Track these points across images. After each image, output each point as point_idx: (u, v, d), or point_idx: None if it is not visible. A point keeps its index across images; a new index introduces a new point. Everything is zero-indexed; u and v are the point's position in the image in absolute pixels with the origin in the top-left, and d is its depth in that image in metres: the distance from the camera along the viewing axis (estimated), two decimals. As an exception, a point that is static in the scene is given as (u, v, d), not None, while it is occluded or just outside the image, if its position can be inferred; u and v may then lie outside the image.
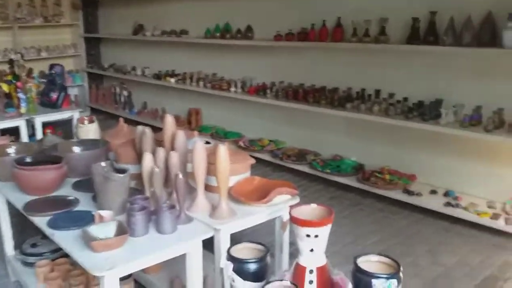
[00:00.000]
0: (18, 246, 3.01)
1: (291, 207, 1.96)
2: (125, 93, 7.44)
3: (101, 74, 8.07)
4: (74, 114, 4.77)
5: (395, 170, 4.25)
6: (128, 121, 3.55)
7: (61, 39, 8.06)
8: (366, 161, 4.50)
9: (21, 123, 4.50)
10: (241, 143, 5.37)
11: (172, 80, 6.34)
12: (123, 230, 1.89)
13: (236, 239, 2.01)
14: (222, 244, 2.06)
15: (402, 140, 4.26)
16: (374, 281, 1.52)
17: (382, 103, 4.16)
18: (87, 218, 2.09)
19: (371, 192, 4.14)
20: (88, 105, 8.12)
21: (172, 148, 2.37)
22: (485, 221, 3.50)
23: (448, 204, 3.73)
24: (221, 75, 5.99)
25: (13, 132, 4.65)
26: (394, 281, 1.51)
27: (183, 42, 6.24)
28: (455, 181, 3.98)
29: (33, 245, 2.95)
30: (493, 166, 3.76)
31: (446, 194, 3.91)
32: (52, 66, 4.92)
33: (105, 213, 2.03)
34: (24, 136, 4.53)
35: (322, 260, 1.89)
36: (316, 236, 1.82)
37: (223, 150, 2.05)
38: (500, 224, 3.44)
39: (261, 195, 2.28)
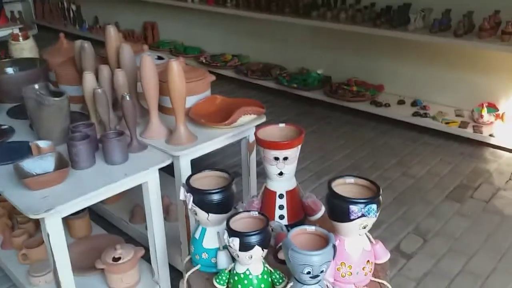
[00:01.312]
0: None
1: (257, 127, 1.74)
2: (73, 7, 6.83)
3: (45, -12, 7.36)
4: (13, 30, 4.29)
5: (362, 81, 4.09)
6: (79, 38, 3.17)
7: None
8: (333, 73, 4.31)
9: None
10: (202, 59, 5.05)
11: (124, -10, 5.79)
12: (63, 163, 1.63)
13: (201, 165, 1.80)
14: (183, 172, 1.85)
15: (370, 49, 4.05)
16: (352, 207, 1.36)
17: (349, 9, 3.89)
18: (23, 151, 1.82)
19: (338, 105, 4.00)
20: (34, 22, 7.44)
21: (118, 65, 2.07)
22: (454, 130, 3.48)
23: (416, 113, 3.65)
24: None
25: None
26: (373, 206, 1.36)
27: None
28: (423, 90, 3.87)
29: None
30: (462, 73, 3.65)
31: (414, 103, 3.82)
32: (-19, -22, 4.35)
33: (42, 143, 1.75)
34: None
35: (292, 184, 1.72)
36: (285, 158, 1.63)
37: (176, 66, 1.76)
38: (468, 132, 3.42)
39: (225, 115, 2.03)
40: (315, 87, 4.15)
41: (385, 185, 2.97)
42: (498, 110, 3.48)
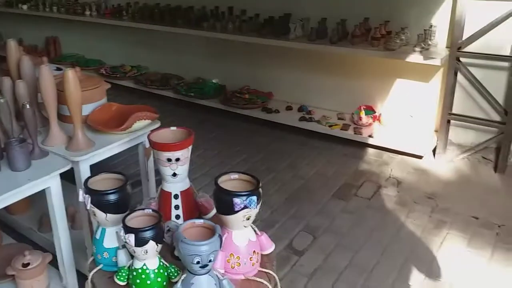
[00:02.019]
0: None
1: (151, 132, 1.92)
2: (-27, 23, 6.50)
3: None
4: None
5: (254, 89, 4.38)
6: None
7: None
8: (227, 82, 4.56)
9: None
10: (102, 71, 5.11)
11: (25, 6, 5.73)
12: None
13: (101, 170, 1.94)
14: (83, 176, 1.99)
15: (258, 58, 4.33)
16: (235, 199, 1.54)
17: (236, 20, 4.13)
18: None
19: (234, 113, 4.23)
20: None
21: (19, 77, 2.16)
22: (336, 132, 3.75)
23: (302, 118, 3.93)
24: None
25: None
26: (254, 198, 1.55)
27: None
28: (308, 96, 4.16)
29: None
30: (341, 78, 3.95)
31: (300, 109, 4.10)
32: None
33: None
34: None
35: (186, 184, 1.86)
36: (178, 159, 1.79)
37: (71, 75, 1.91)
38: (349, 134, 3.69)
39: (121, 122, 2.19)
40: (211, 95, 4.40)
41: (278, 186, 3.20)
42: (375, 112, 3.79)
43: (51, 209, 1.95)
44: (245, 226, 1.58)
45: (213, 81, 4.55)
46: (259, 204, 1.55)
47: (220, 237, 1.41)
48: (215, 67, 4.65)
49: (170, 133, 1.91)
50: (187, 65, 4.84)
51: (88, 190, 1.59)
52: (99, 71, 5.12)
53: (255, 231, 1.63)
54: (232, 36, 4.03)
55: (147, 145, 2.28)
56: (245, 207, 1.52)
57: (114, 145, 2.09)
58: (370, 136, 3.62)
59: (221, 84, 4.56)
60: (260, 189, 1.61)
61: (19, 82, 2.00)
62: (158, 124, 2.24)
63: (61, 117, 2.17)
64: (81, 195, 1.61)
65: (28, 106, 1.87)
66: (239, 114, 4.22)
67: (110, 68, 5.17)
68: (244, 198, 1.53)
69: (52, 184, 1.89)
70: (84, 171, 2.00)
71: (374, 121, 3.77)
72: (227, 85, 4.53)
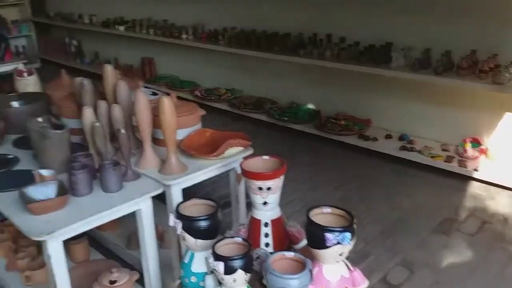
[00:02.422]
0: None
1: (243, 159, 1.89)
2: (74, 42, 7.07)
3: (48, 24, 7.61)
4: (18, 66, 4.46)
5: (350, 116, 4.25)
6: (81, 73, 3.31)
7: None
8: (322, 107, 4.47)
9: (-42, 78, 4.20)
10: (197, 93, 5.22)
11: (122, 28, 6.04)
12: (64, 190, 1.77)
13: (192, 194, 1.93)
14: (174, 200, 1.98)
15: (356, 85, 4.23)
16: (327, 234, 1.46)
17: (334, 48, 4.09)
18: (27, 178, 1.95)
19: (328, 138, 4.13)
20: (38, 57, 7.67)
21: (115, 100, 2.23)
22: (439, 163, 3.55)
23: (403, 148, 3.77)
24: (172, 21, 5.73)
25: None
26: (347, 234, 1.46)
27: (129, -13, 5.95)
28: (410, 125, 4.00)
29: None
30: (446, 109, 3.78)
31: (401, 138, 3.94)
32: (-14, 17, 4.56)
33: (45, 172, 1.90)
34: (-37, 92, 4.23)
35: (276, 213, 1.84)
36: (269, 188, 1.76)
37: (167, 102, 1.92)
38: (453, 166, 3.49)
39: (214, 148, 2.18)
40: (305, 120, 4.32)
41: (372, 217, 3.03)
42: (482, 145, 3.59)
43: (141, 230, 1.96)
44: (337, 261, 1.52)
45: (308, 106, 4.48)
46: (353, 241, 1.47)
47: (311, 271, 1.37)
48: (310, 92, 4.58)
49: (262, 161, 1.89)
50: (281, 89, 4.82)
51: (179, 216, 1.59)
52: (194, 93, 5.24)
53: (347, 266, 1.57)
54: (330, 63, 3.98)
55: (239, 170, 2.24)
56: (338, 243, 1.46)
57: (206, 170, 2.07)
58: (475, 169, 3.42)
59: (315, 109, 4.47)
60: (355, 225, 1.53)
61: (115, 106, 2.05)
62: (250, 151, 2.20)
63: (155, 141, 2.19)
64: (172, 220, 1.61)
65: (123, 131, 1.90)
66: (333, 140, 4.11)
67: (205, 91, 5.28)
68: (337, 234, 1.48)
69: (143, 207, 1.89)
70: (175, 195, 1.99)
71: (480, 155, 3.58)
72: (322, 110, 4.43)
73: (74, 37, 7.08)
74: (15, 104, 2.63)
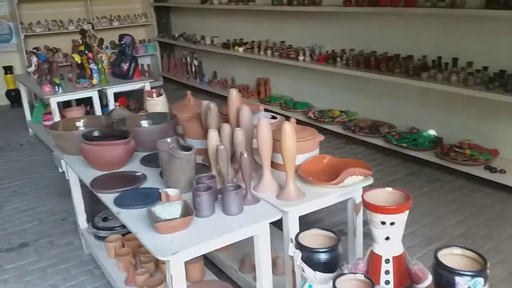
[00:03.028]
0: (90, 218, 3.07)
1: (364, 190, 1.82)
2: (195, 62, 7.44)
3: (171, 44, 8.12)
4: (145, 84, 4.80)
5: (475, 145, 3.93)
6: (198, 91, 3.46)
7: (132, 9, 8.17)
8: (444, 134, 4.21)
9: (93, 94, 4.60)
10: (310, 114, 5.20)
11: (241, 49, 6.24)
12: (188, 211, 1.83)
13: (306, 220, 1.91)
14: (291, 227, 1.96)
15: (483, 112, 3.92)
16: (457, 278, 1.36)
17: (460, 72, 3.84)
18: (153, 196, 2.07)
19: (450, 168, 3.86)
20: (160, 75, 8.21)
21: (237, 123, 2.28)
22: None
23: None
24: (289, 43, 5.81)
25: (88, 102, 4.79)
26: (480, 280, 1.35)
27: (250, 10, 6.12)
28: None
29: (105, 219, 2.99)
30: None
31: None
32: (122, 37, 4.94)
33: (171, 191, 1.98)
34: (97, 107, 4.63)
35: (399, 249, 1.75)
36: (392, 223, 1.68)
37: (289, 128, 1.92)
38: None
39: (332, 175, 2.14)
40: (425, 147, 4.09)
41: (500, 258, 2.77)
42: None
43: (257, 255, 1.96)
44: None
45: (429, 132, 4.24)
46: (486, 287, 1.35)
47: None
48: (432, 117, 4.34)
49: (386, 194, 1.81)
50: (399, 113, 4.63)
51: (299, 246, 1.57)
52: (307, 114, 5.23)
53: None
54: (456, 88, 3.74)
55: (357, 200, 2.18)
56: None
57: (324, 199, 2.03)
58: None
59: (437, 136, 4.22)
60: (488, 271, 1.39)
61: (238, 130, 2.09)
62: (370, 181, 2.13)
63: (273, 165, 2.20)
64: (292, 249, 1.59)
65: (245, 155, 1.93)
66: (456, 171, 3.83)
67: (318, 112, 5.24)
68: (469, 278, 1.37)
69: (261, 232, 1.90)
70: (292, 221, 1.97)
71: None
72: (444, 137, 4.18)
73: (196, 57, 7.46)
74: (144, 123, 2.80)
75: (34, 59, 5.12)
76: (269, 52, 5.78)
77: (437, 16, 4.04)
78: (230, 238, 1.80)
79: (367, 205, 1.69)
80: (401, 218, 1.70)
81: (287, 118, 2.39)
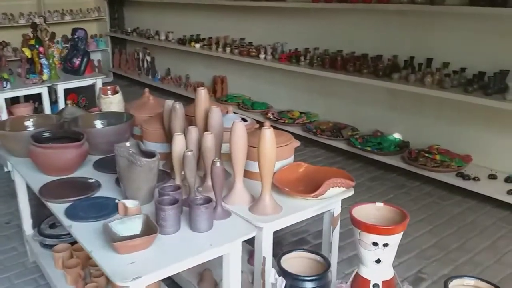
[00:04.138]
0: (37, 224, 2.76)
1: (352, 206, 1.64)
2: (148, 58, 7.12)
3: (124, 39, 7.76)
4: (97, 80, 4.49)
5: (445, 150, 3.82)
6: (150, 88, 3.18)
7: (85, 2, 7.77)
8: (411, 138, 4.12)
9: (43, 90, 4.26)
10: (270, 115, 5.01)
11: (197, 45, 5.98)
12: (150, 227, 1.59)
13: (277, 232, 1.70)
14: (264, 243, 1.75)
15: (456, 116, 3.81)
16: None
17: (435, 74, 3.70)
18: (109, 207, 1.81)
19: (416, 174, 3.75)
20: (111, 71, 7.82)
21: (205, 127, 2.05)
22: None
23: (511, 192, 3.26)
24: (250, 40, 5.59)
25: (37, 98, 4.42)
26: None
27: (209, 5, 5.89)
28: None
29: (52, 226, 2.70)
30: None
31: (509, 179, 3.43)
32: (74, 31, 4.60)
33: (130, 203, 1.74)
34: (46, 104, 4.29)
35: (389, 273, 1.58)
36: (386, 245, 1.51)
37: (269, 134, 1.72)
38: None
39: (309, 185, 1.95)
40: (391, 152, 3.99)
41: (477, 271, 2.65)
42: None
43: (226, 275, 1.74)
44: None
45: (394, 135, 4.14)
46: None
47: None
48: (397, 120, 4.23)
49: (375, 209, 1.63)
50: (363, 115, 4.51)
51: (283, 272, 1.36)
52: (266, 115, 5.03)
53: None
54: (431, 91, 3.60)
55: (335, 213, 2.00)
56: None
57: (302, 212, 1.83)
58: None
59: (403, 140, 4.13)
60: None
61: (208, 135, 1.87)
62: (351, 193, 1.95)
63: (245, 173, 1.98)
64: (274, 276, 1.38)
65: (218, 164, 1.71)
66: (421, 176, 3.73)
67: (278, 113, 5.07)
68: None
69: (233, 251, 1.68)
70: (267, 238, 1.76)
71: None
72: (411, 142, 4.08)
73: (148, 53, 7.14)
74: (98, 123, 2.52)
75: (-20, 53, 4.70)
76: (228, 49, 5.54)
77: (410, 14, 3.90)
78: (199, 259, 1.57)
79: (356, 223, 1.52)
80: (396, 239, 1.54)
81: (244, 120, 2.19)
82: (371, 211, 1.65)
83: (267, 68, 5.17)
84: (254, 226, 1.73)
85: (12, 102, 4.57)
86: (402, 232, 1.50)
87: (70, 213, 1.80)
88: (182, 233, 1.66)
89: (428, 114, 4.01)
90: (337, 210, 1.99)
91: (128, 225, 1.61)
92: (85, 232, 1.67)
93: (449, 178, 3.56)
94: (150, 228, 1.58)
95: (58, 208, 1.86)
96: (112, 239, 1.52)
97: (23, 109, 4.07)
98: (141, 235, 1.58)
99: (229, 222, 1.76)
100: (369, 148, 4.05)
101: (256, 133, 2.08)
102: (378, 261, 1.50)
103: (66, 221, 1.75)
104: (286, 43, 5.07)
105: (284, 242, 2.90)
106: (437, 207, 3.42)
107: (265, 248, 1.75)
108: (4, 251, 2.93)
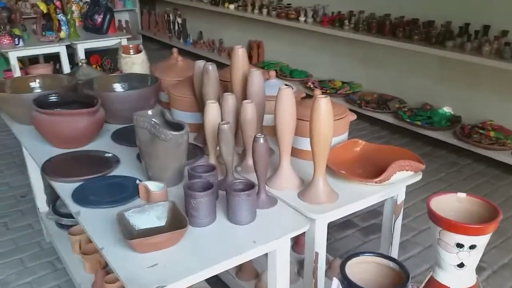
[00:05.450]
0: (51, 200, 2.47)
1: (430, 197, 1.30)
2: (179, 20, 6.75)
3: (153, -2, 7.40)
4: (122, 40, 4.15)
5: (499, 126, 3.44)
6: (182, 52, 2.86)
7: (110, -44, 7.36)
8: (462, 113, 3.71)
9: (61, 50, 3.96)
10: (310, 84, 4.63)
11: (232, 6, 5.57)
12: (178, 218, 1.28)
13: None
14: (318, 237, 1.43)
15: (511, 89, 3.42)
16: None
17: (493, 42, 3.30)
18: (128, 190, 1.50)
19: (468, 151, 3.40)
20: (139, 33, 7.47)
21: (244, 94, 1.72)
22: None
23: None
24: (288, 1, 5.16)
25: (58, 60, 4.14)
26: None
27: (244, -38, 5.46)
28: None
29: (69, 202, 2.43)
30: None
31: None
32: (95, -17, 4.26)
33: (153, 186, 1.42)
34: (65, 65, 4.00)
35: (472, 279, 1.26)
36: (472, 247, 1.19)
37: (325, 104, 1.37)
38: None
39: (368, 167, 1.62)
40: (442, 127, 3.59)
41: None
42: None
43: (272, 271, 1.42)
44: None
45: (445, 109, 3.73)
46: None
47: None
48: (448, 93, 3.81)
49: (456, 201, 1.29)
50: (411, 87, 4.09)
51: (349, 284, 1.05)
52: (306, 84, 4.67)
53: None
54: (489, 61, 3.19)
55: (399, 200, 1.66)
56: None
57: (363, 200, 1.49)
58: None
59: (455, 114, 3.72)
60: None
61: (247, 104, 1.53)
62: (419, 177, 1.61)
63: (292, 150, 1.65)
64: (336, 285, 1.06)
65: (262, 141, 1.37)
66: (473, 153, 3.37)
67: (318, 82, 4.69)
68: None
69: (280, 248, 1.36)
70: (320, 231, 1.44)
71: None
72: (463, 117, 3.68)
73: (179, 15, 6.76)
74: (117, 86, 2.19)
75: (-7, 7, 4.42)
76: (264, 11, 5.11)
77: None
78: (240, 260, 1.24)
79: (437, 220, 1.19)
80: (484, 240, 1.21)
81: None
82: (452, 204, 1.31)
83: (307, 32, 4.74)
84: (305, 217, 1.40)
85: (31, 63, 4.30)
86: (492, 232, 1.17)
87: (79, 196, 1.47)
88: (218, 226, 1.34)
89: (482, 87, 3.59)
90: (401, 197, 1.65)
91: (149, 215, 1.29)
92: (96, 222, 1.35)
93: (505, 157, 3.21)
94: (178, 220, 1.27)
95: (64, 188, 1.53)
96: (128, 234, 1.21)
97: (41, 70, 3.77)
98: (166, 229, 1.26)
99: (274, 211, 1.43)
100: (418, 123, 3.66)
101: (304, 103, 1.74)
102: (461, 265, 1.18)
103: (73, 206, 1.43)
104: (328, 5, 4.63)
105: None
106: (492, 188, 3.09)
107: (319, 242, 1.43)
108: (18, 228, 2.70)
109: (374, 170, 1.57)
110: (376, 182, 1.48)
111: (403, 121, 3.74)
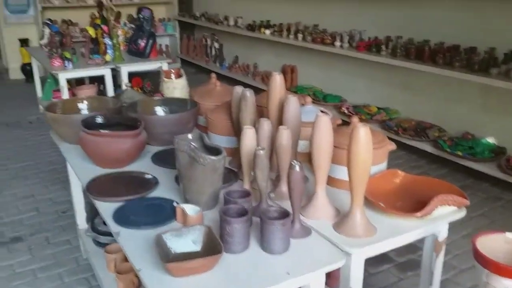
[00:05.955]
0: (91, 218, 2.54)
1: (475, 236, 1.25)
2: (216, 45, 6.86)
3: (192, 24, 7.54)
4: (163, 64, 4.27)
5: (547, 160, 3.31)
6: (217, 76, 2.91)
7: (153, -15, 7.62)
8: (507, 143, 3.58)
9: (106, 72, 4.10)
10: (344, 109, 4.59)
11: (267, 31, 5.63)
12: (213, 243, 1.27)
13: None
14: (354, 273, 1.39)
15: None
16: None
17: (541, 70, 3.19)
18: (165, 211, 1.52)
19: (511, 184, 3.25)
20: (178, 56, 7.64)
21: (280, 120, 1.71)
22: None
23: None
24: (324, 27, 5.16)
25: (103, 81, 4.28)
26: None
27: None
28: None
29: (107, 221, 2.47)
30: None
31: None
32: (140, 10, 4.41)
33: (190, 209, 1.43)
34: (109, 87, 4.14)
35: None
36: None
37: (365, 133, 1.34)
38: None
39: (408, 200, 1.57)
40: (484, 158, 3.47)
41: None
42: None
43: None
44: None
45: (488, 139, 3.61)
46: None
47: None
48: (492, 122, 3.69)
49: (504, 242, 1.23)
50: (451, 115, 3.99)
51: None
52: (340, 109, 4.62)
53: None
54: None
55: (441, 238, 1.60)
56: None
57: (403, 236, 1.45)
58: None
59: (499, 145, 3.60)
60: None
61: (283, 129, 1.52)
62: (463, 213, 1.55)
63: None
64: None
65: (297, 168, 1.36)
66: (516, 187, 3.24)
67: (353, 107, 4.64)
68: None
69: (315, 281, 1.32)
70: (356, 266, 1.40)
71: None
72: (508, 148, 3.55)
73: (216, 40, 6.88)
74: (159, 110, 2.24)
75: (47, 31, 4.71)
76: (300, 36, 5.14)
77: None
78: (270, 289, 1.22)
79: (484, 262, 1.13)
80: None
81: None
82: (498, 243, 1.25)
83: (342, 57, 4.73)
84: (341, 251, 1.37)
85: (76, 83, 4.46)
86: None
87: (120, 216, 1.51)
88: (251, 253, 1.32)
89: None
90: (443, 234, 1.59)
91: (186, 239, 1.29)
92: (134, 243, 1.37)
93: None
94: (213, 245, 1.27)
95: (106, 208, 1.58)
96: (165, 257, 1.22)
97: (87, 91, 3.92)
98: (201, 254, 1.26)
99: (309, 242, 1.40)
100: (460, 153, 3.55)
101: (341, 130, 1.72)
102: (513, 314, 1.11)
103: (114, 226, 1.46)
104: (365, 30, 4.62)
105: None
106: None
107: (355, 279, 1.39)
108: (58, 243, 2.78)
109: (414, 204, 1.53)
110: (417, 217, 1.44)
111: (443, 151, 3.64)
